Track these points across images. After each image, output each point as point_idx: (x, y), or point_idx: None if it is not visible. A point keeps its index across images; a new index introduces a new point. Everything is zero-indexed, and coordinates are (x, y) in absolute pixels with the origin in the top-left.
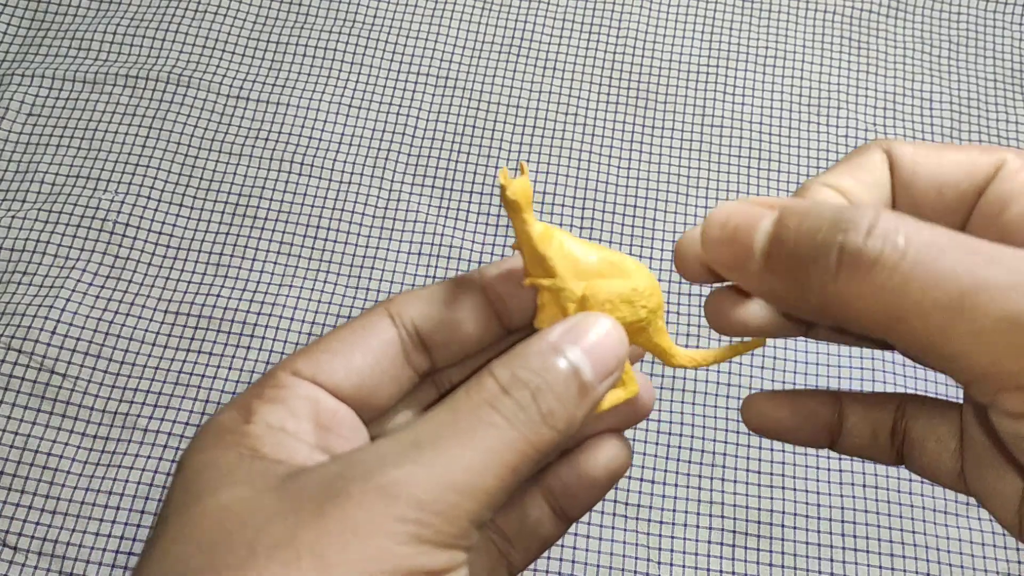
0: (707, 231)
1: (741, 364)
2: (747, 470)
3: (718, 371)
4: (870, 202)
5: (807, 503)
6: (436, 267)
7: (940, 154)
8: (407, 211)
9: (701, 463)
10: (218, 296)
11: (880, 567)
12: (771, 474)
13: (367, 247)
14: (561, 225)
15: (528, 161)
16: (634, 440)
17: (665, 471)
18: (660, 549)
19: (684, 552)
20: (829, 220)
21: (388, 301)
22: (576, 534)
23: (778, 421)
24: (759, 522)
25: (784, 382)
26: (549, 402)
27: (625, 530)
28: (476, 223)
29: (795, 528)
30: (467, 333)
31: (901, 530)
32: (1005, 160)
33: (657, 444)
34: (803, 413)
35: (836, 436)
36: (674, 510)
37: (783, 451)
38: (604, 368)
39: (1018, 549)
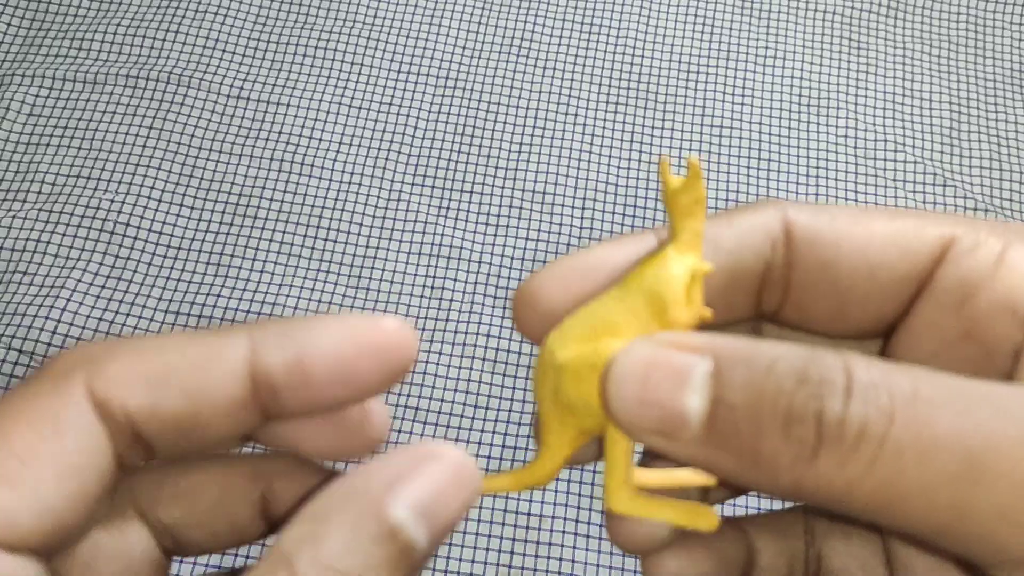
0: (619, 387)
1: None
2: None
3: None
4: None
5: None
6: (436, 267)
7: (863, 225)
8: (407, 211)
9: None
10: (218, 296)
11: None
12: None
13: (367, 247)
14: (561, 225)
15: (528, 161)
16: None
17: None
18: None
19: None
20: (793, 379)
21: (87, 366)
22: (576, 534)
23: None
24: None
25: None
26: None
27: None
28: (476, 223)
29: None
30: (208, 435)
31: None
32: (955, 236)
33: None
34: (720, 560)
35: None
36: None
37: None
38: (446, 528)
39: None
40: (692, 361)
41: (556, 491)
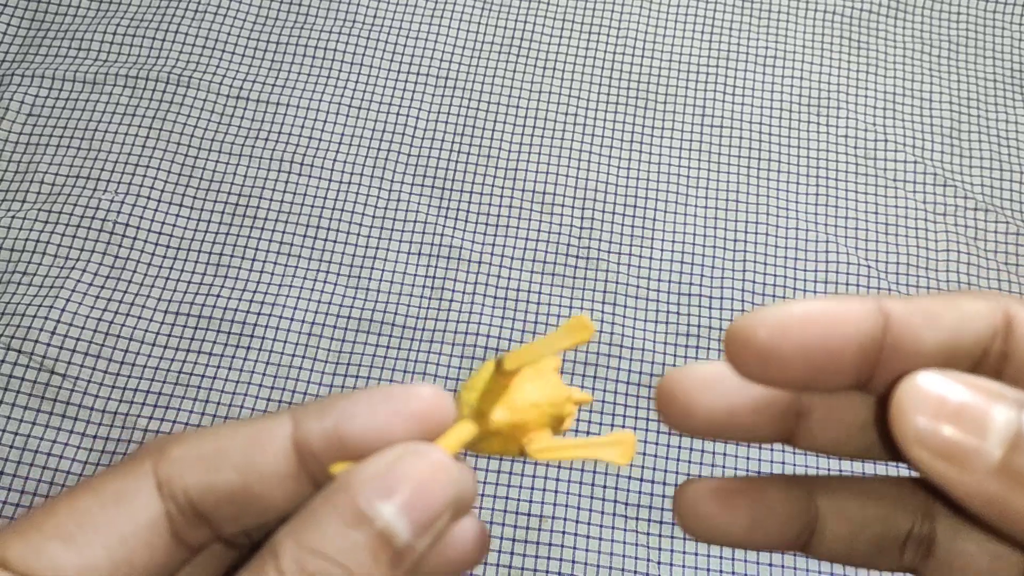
0: (923, 403)
1: None
2: (747, 470)
3: None
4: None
5: None
6: (436, 267)
7: (939, 309)
8: (407, 211)
9: (701, 463)
10: (218, 296)
11: None
12: (771, 474)
13: (367, 247)
14: (561, 225)
15: (528, 161)
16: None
17: (665, 471)
18: (660, 549)
19: (684, 552)
20: None
21: (156, 453)
22: (576, 534)
23: (729, 528)
24: None
25: None
26: None
27: (625, 530)
28: (476, 223)
29: None
30: (263, 507)
31: None
32: (1012, 314)
33: (657, 444)
34: (764, 512)
35: (808, 538)
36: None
37: (783, 451)
38: (427, 521)
39: None
40: (990, 399)
41: (556, 491)
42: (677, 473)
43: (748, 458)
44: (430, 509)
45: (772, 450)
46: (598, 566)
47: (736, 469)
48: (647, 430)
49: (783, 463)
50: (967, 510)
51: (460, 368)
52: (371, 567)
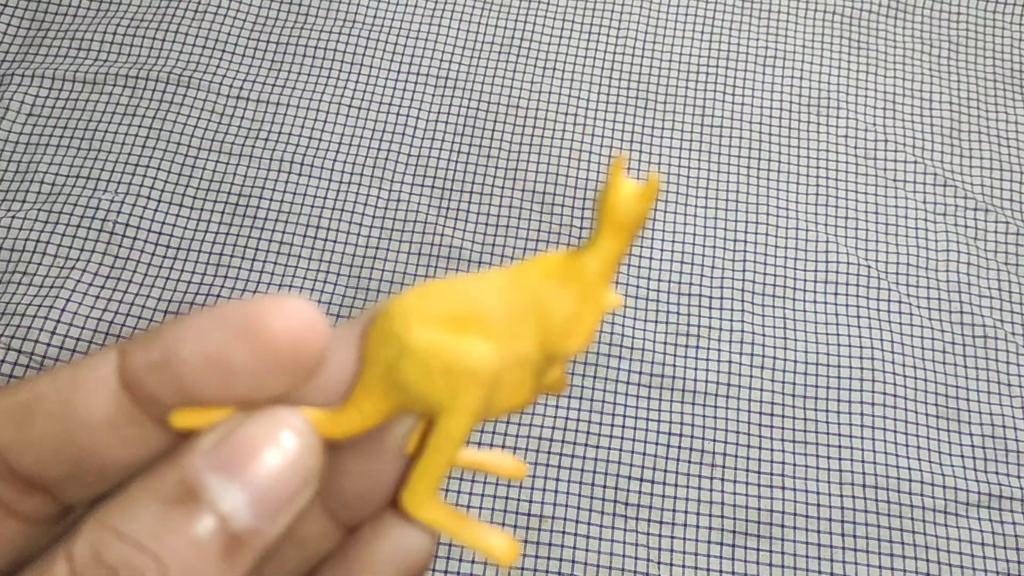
0: None
1: (742, 364)
2: (747, 470)
3: (718, 372)
4: None
5: (807, 503)
6: (436, 267)
7: None
8: (407, 211)
9: (701, 463)
10: (218, 296)
11: (880, 567)
12: (771, 474)
13: (367, 247)
14: (561, 225)
15: (528, 161)
16: (633, 440)
17: (665, 471)
18: (660, 549)
19: (684, 552)
20: None
21: None
22: (576, 534)
23: None
24: (759, 522)
25: (784, 382)
26: None
27: (625, 530)
28: (476, 223)
29: (795, 528)
30: (101, 464)
31: (901, 530)
32: None
33: (657, 444)
34: None
35: None
36: (674, 510)
37: (783, 451)
38: (279, 502)
39: (1018, 549)
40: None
41: (556, 491)
42: (677, 473)
43: (749, 458)
44: (288, 487)
45: (773, 451)
46: (598, 566)
47: (736, 469)
48: (647, 430)
49: (784, 462)
50: None
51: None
52: (194, 557)
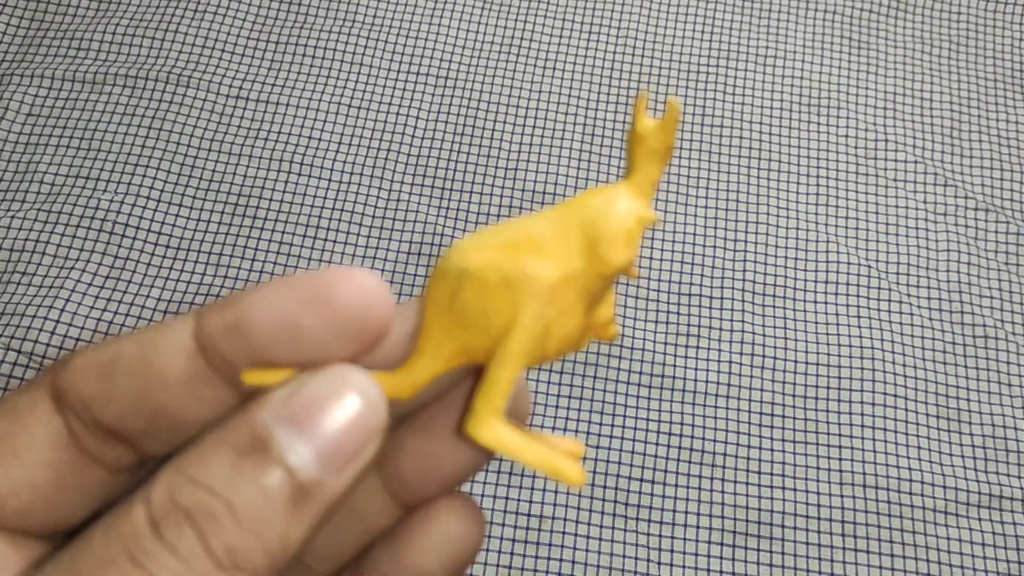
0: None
1: (742, 364)
2: (747, 470)
3: (718, 372)
4: None
5: (807, 503)
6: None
7: None
8: (407, 211)
9: (701, 463)
10: (217, 296)
11: (880, 567)
12: (771, 474)
13: (367, 247)
14: None
15: (528, 161)
16: (633, 440)
17: (665, 471)
18: (660, 549)
19: (684, 552)
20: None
21: (60, 366)
22: (576, 534)
23: None
24: (759, 522)
25: (784, 382)
26: (230, 537)
27: (625, 530)
28: (476, 223)
29: (795, 528)
30: (176, 418)
31: (901, 530)
32: None
33: (657, 444)
34: None
35: None
36: (674, 510)
37: (783, 451)
38: (344, 456)
39: (1018, 549)
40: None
41: (556, 491)
42: (677, 473)
43: (749, 458)
44: (353, 442)
45: (773, 451)
46: (598, 566)
47: (736, 469)
48: (647, 430)
49: (784, 462)
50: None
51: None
52: (262, 504)
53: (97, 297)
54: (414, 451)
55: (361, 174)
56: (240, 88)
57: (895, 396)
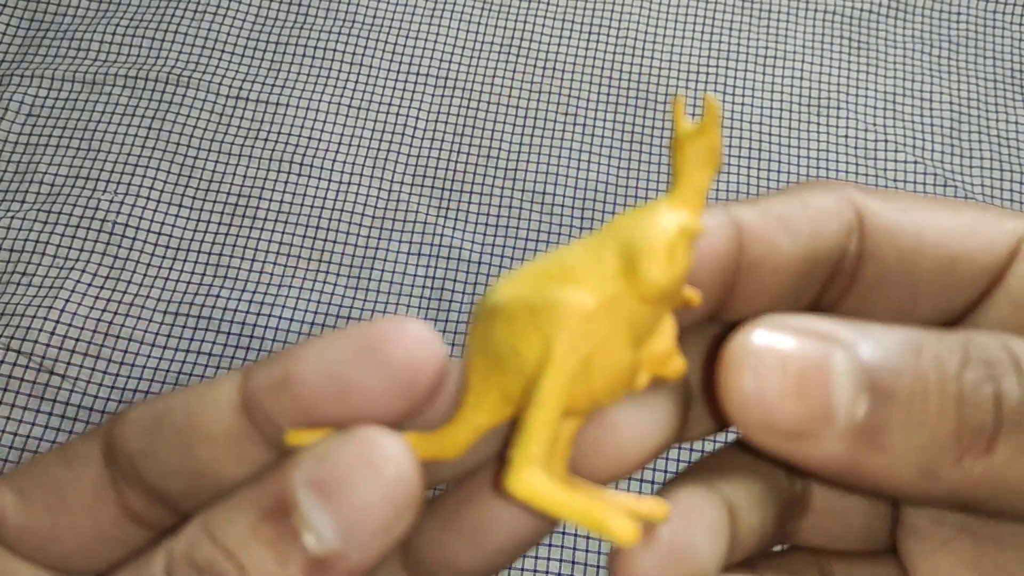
0: (757, 378)
1: None
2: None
3: None
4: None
5: None
6: (436, 267)
7: (940, 215)
8: (407, 211)
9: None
10: (217, 296)
11: None
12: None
13: (367, 247)
14: (561, 226)
15: (528, 161)
16: None
17: (665, 472)
18: None
19: None
20: (956, 361)
21: (114, 420)
22: (576, 534)
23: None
24: None
25: None
26: None
27: None
28: (476, 223)
29: None
30: (217, 479)
31: None
32: None
33: None
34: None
35: None
36: None
37: None
38: (369, 531)
39: None
40: (825, 348)
41: None
42: (677, 474)
43: None
44: (373, 517)
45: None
46: (598, 567)
47: None
48: None
49: None
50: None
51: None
52: (275, 572)
53: (97, 297)
54: (434, 540)
55: (361, 174)
56: (240, 88)
57: None
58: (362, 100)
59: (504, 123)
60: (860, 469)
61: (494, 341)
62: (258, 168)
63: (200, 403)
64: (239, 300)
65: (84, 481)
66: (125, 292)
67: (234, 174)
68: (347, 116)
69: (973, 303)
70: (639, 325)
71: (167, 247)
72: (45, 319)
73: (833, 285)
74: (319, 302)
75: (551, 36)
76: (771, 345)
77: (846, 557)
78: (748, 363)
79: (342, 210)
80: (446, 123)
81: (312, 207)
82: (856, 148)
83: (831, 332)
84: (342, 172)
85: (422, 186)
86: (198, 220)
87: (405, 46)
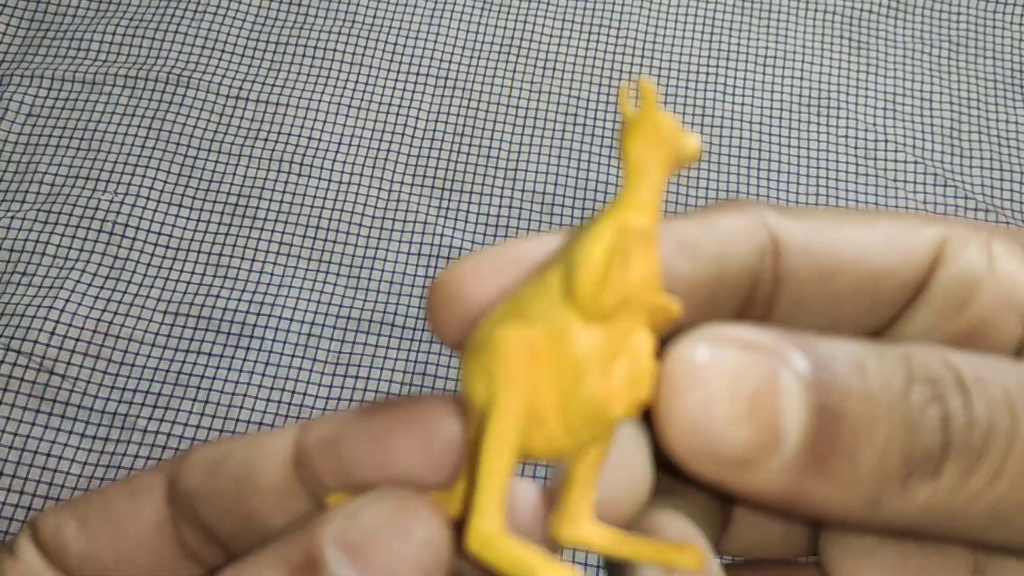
0: (702, 404)
1: None
2: None
3: None
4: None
5: None
6: (436, 267)
7: (856, 230)
8: (407, 211)
9: None
10: (217, 296)
11: None
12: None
13: (367, 247)
14: (561, 225)
15: (528, 161)
16: None
17: None
18: None
19: None
20: (901, 378)
21: (180, 457)
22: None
23: None
24: None
25: None
26: None
27: None
28: (476, 223)
29: None
30: (264, 528)
31: None
32: (946, 238)
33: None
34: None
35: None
36: None
37: None
38: None
39: None
40: (773, 363)
41: None
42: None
43: None
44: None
45: None
46: (598, 566)
47: None
48: None
49: None
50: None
51: (460, 369)
52: None
53: (97, 297)
54: None
55: (361, 174)
56: (240, 88)
57: None
58: (362, 100)
59: (504, 123)
60: (804, 497)
61: (464, 391)
62: (258, 168)
63: (258, 453)
64: (239, 300)
65: (145, 515)
66: (125, 292)
67: (234, 174)
68: (347, 116)
69: (898, 314)
70: (598, 350)
71: (167, 247)
72: (45, 319)
73: (750, 310)
74: (319, 302)
75: (551, 36)
76: (716, 363)
77: (764, 566)
78: (692, 383)
79: (342, 210)
80: (446, 123)
81: (312, 207)
82: (856, 148)
83: (776, 347)
84: (342, 172)
85: (422, 186)
86: (198, 220)
87: (405, 46)
